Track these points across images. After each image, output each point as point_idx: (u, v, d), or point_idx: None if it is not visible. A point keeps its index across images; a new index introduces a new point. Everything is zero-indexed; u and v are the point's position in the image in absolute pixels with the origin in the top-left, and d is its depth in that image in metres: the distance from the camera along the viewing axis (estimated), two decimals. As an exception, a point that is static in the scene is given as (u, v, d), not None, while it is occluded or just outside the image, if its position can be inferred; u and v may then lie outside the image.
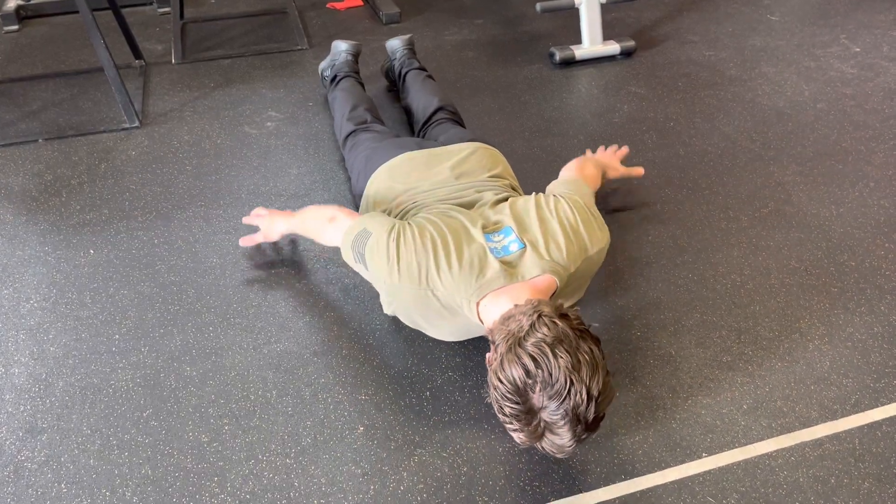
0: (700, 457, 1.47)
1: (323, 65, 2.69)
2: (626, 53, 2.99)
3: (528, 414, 1.29)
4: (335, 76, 2.54)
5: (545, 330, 1.30)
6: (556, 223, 1.56)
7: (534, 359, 1.27)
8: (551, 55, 2.96)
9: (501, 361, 1.31)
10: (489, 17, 3.41)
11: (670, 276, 1.90)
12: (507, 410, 1.31)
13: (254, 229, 2.01)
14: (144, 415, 1.56)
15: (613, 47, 2.97)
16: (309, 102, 2.72)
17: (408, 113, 2.49)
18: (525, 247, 1.52)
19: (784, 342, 1.72)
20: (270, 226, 1.93)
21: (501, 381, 1.30)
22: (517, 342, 1.30)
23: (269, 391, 1.61)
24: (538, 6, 2.90)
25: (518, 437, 1.35)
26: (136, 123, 2.56)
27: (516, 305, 1.40)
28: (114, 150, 2.44)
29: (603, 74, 2.89)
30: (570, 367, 1.26)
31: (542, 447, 1.33)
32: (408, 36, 2.69)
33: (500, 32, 3.26)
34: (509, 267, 1.49)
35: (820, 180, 2.27)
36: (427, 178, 1.85)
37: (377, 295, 1.79)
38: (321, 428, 1.53)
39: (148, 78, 2.90)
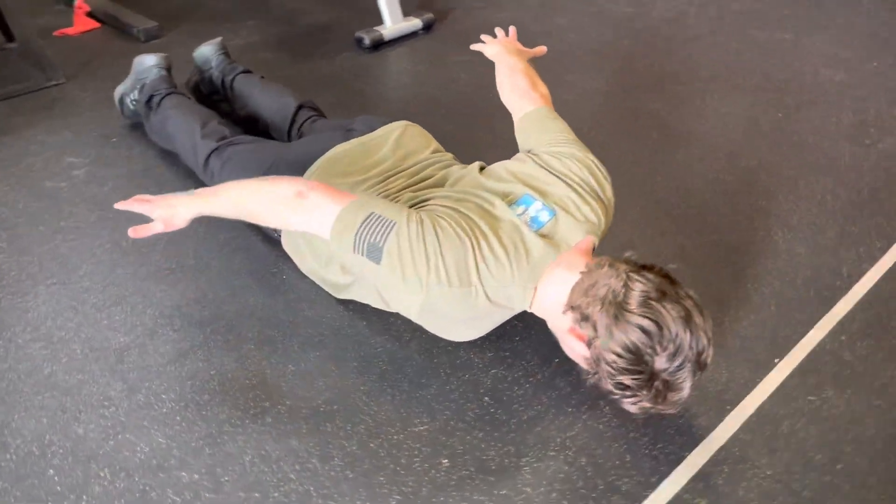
0: (774, 365, 1.45)
1: (122, 89, 2.21)
2: (427, 27, 2.91)
3: (649, 380, 1.17)
4: (151, 97, 2.10)
5: (641, 287, 1.19)
6: (571, 182, 1.42)
7: (647, 318, 1.16)
8: (359, 40, 2.77)
9: (611, 333, 1.17)
10: (259, 17, 3.10)
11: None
12: (628, 383, 1.18)
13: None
14: None
15: (415, 22, 2.87)
16: (112, 138, 2.22)
17: (251, 123, 2.13)
18: (556, 213, 1.36)
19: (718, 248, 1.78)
20: (170, 212, 1.40)
21: (620, 354, 1.17)
22: (620, 308, 1.17)
23: (310, 459, 1.27)
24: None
25: (636, 406, 1.22)
26: None
27: (586, 273, 1.26)
28: None
29: (417, 50, 2.78)
30: (683, 317, 1.17)
31: (658, 408, 1.21)
32: (218, 39, 2.31)
33: (284, 29, 2.98)
34: (548, 239, 1.33)
35: (675, 102, 2.41)
36: (374, 167, 1.60)
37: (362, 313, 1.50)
38: (403, 479, 1.24)
39: None
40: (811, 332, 1.53)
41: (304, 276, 1.65)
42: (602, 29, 2.96)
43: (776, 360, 1.46)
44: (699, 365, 1.18)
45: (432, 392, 1.40)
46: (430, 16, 2.91)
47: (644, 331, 1.16)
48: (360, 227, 1.27)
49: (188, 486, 1.22)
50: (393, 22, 2.80)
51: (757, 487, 1.23)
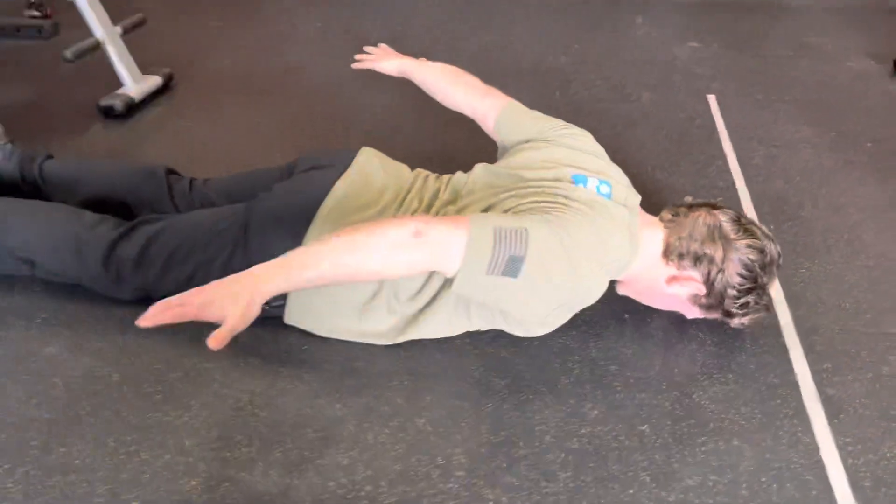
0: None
1: None
2: (168, 81, 2.59)
3: (763, 291, 1.38)
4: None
5: (725, 218, 1.38)
6: (598, 154, 1.52)
7: (749, 240, 1.35)
8: (108, 109, 2.34)
9: (730, 260, 1.33)
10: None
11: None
12: (750, 300, 1.36)
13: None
14: None
15: (156, 80, 2.54)
16: None
17: (96, 207, 1.66)
18: (609, 182, 1.43)
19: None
20: (241, 302, 1.13)
21: (743, 275, 1.35)
22: (726, 239, 1.35)
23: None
24: (68, 53, 2.24)
25: (749, 318, 1.40)
26: None
27: (672, 225, 1.39)
28: None
29: (178, 106, 2.48)
30: (762, 232, 1.39)
31: (761, 315, 1.42)
32: (-8, 124, 1.78)
33: None
34: (623, 206, 1.41)
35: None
36: (382, 193, 1.47)
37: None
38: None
39: None
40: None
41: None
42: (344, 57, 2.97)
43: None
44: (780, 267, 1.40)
45: (558, 391, 1.36)
46: (167, 69, 2.60)
47: (753, 249, 1.33)
48: (495, 245, 1.18)
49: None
50: (135, 81, 2.44)
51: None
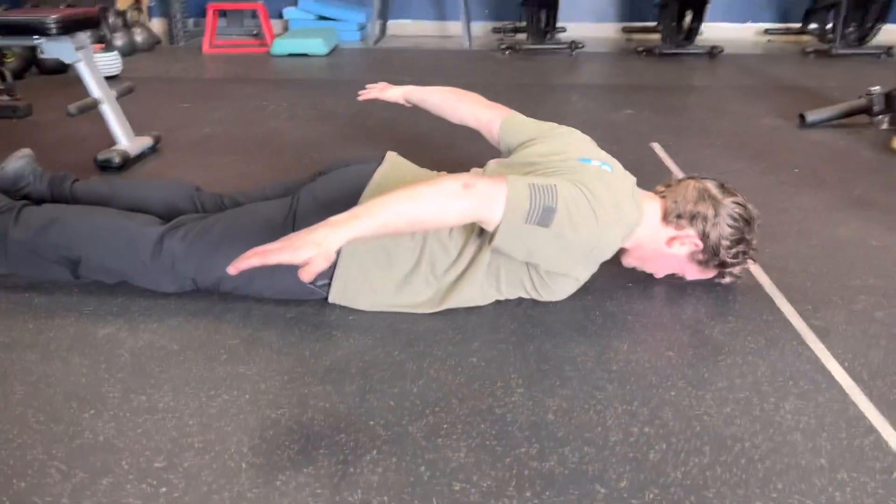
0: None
1: None
2: (157, 143, 2.74)
3: (750, 243, 1.62)
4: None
5: (709, 183, 1.63)
6: (590, 143, 1.75)
7: (732, 196, 1.61)
8: (105, 162, 2.46)
9: (720, 215, 1.56)
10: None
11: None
12: (742, 248, 1.60)
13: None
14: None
15: (147, 139, 2.69)
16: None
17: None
18: (609, 163, 1.65)
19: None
20: (319, 247, 1.24)
21: (732, 226, 1.57)
22: (714, 198, 1.59)
23: None
24: (72, 108, 2.38)
25: (739, 269, 1.64)
26: None
27: (668, 193, 1.63)
28: None
29: (171, 163, 2.61)
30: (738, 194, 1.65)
31: (745, 268, 1.66)
32: (26, 151, 1.87)
33: None
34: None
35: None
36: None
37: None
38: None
39: None
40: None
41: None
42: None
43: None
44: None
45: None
46: (156, 133, 2.75)
47: (738, 205, 1.58)
48: (532, 197, 1.37)
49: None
50: (128, 139, 2.58)
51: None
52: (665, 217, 1.59)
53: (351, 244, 1.51)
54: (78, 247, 1.58)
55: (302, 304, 1.60)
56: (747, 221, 1.58)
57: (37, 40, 2.31)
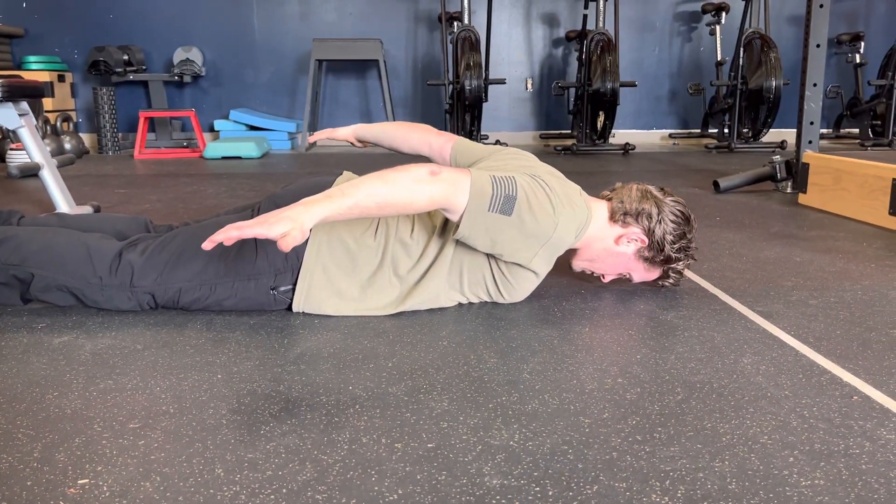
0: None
1: None
2: (97, 212, 2.72)
3: (691, 240, 1.74)
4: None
5: (647, 187, 1.77)
6: (537, 161, 1.88)
7: (671, 196, 1.75)
8: (46, 223, 2.43)
9: (663, 212, 1.69)
10: None
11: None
12: (684, 244, 1.72)
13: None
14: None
15: (88, 208, 2.67)
16: None
17: None
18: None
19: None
20: (297, 220, 1.29)
21: (675, 221, 1.70)
22: (655, 198, 1.72)
23: None
24: (14, 170, 2.37)
25: (683, 265, 1.75)
26: None
27: (613, 196, 1.75)
28: None
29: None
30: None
31: (685, 267, 1.78)
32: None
33: None
34: None
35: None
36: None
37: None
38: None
39: None
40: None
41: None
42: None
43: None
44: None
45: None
46: (96, 203, 2.74)
47: (678, 203, 1.71)
48: (493, 186, 1.47)
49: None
50: (69, 207, 2.56)
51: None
52: (612, 217, 1.69)
53: (314, 246, 1.55)
54: (29, 263, 1.56)
55: (264, 312, 1.60)
56: (687, 219, 1.70)
57: (-20, 104, 2.33)
